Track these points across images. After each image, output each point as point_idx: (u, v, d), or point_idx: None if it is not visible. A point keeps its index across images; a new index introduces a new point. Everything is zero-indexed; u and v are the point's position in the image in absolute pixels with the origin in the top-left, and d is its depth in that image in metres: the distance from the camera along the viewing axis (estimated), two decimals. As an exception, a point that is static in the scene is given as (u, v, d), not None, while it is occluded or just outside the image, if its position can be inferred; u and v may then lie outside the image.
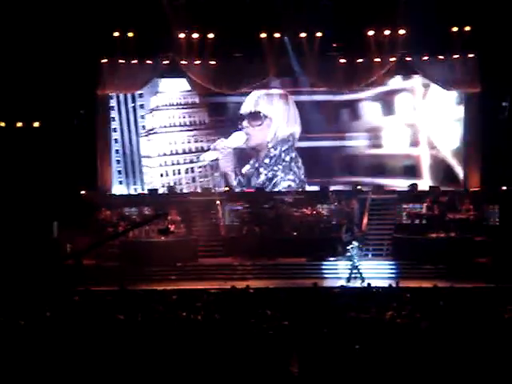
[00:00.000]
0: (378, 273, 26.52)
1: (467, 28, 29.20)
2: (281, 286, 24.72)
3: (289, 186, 32.74)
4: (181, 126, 33.23)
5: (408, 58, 30.56)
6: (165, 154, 32.90)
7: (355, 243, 26.07)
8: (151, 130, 32.75)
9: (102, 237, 27.28)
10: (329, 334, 15.02)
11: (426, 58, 30.35)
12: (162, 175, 32.86)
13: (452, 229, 27.74)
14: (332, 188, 31.34)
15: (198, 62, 30.74)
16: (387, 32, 29.57)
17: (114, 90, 31.15)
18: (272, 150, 32.92)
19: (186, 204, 30.31)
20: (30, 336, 15.54)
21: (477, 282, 23.95)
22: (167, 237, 27.98)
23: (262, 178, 32.90)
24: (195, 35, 29.93)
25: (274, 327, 15.80)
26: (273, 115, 32.84)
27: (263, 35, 29.98)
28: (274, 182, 32.87)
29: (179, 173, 33.01)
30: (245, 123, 32.75)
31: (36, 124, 29.91)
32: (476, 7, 28.47)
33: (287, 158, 32.85)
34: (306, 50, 30.18)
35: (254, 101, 32.88)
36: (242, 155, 33.11)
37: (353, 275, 25.71)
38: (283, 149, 32.86)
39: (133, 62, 30.49)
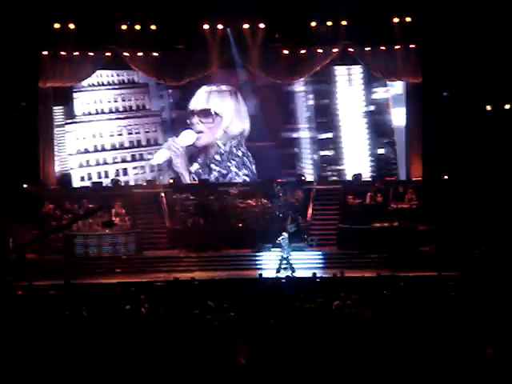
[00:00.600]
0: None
1: (408, 19, 29.45)
2: (226, 277, 24.73)
3: (244, 180, 32.74)
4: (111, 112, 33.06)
5: (350, 49, 30.70)
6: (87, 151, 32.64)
7: (285, 234, 26.22)
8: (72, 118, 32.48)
9: (45, 230, 27.03)
10: (275, 325, 15.08)
11: (368, 48, 30.51)
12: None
13: (395, 218, 28.02)
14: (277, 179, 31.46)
15: (140, 54, 30.53)
16: (329, 23, 29.66)
17: (56, 82, 30.71)
18: (222, 146, 32.89)
19: (131, 197, 30.14)
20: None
21: (420, 271, 24.24)
22: (111, 229, 27.85)
23: (215, 174, 32.87)
24: (137, 26, 29.70)
25: (220, 318, 15.83)
26: (223, 112, 32.83)
27: (206, 26, 29.89)
28: (228, 177, 32.85)
29: (126, 173, 32.80)
30: (195, 120, 32.66)
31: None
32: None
33: (239, 153, 32.87)
34: (249, 42, 30.13)
35: (204, 97, 32.84)
36: (192, 153, 33.00)
37: (282, 266, 25.88)
38: (233, 144, 32.88)
39: (74, 53, 30.13)
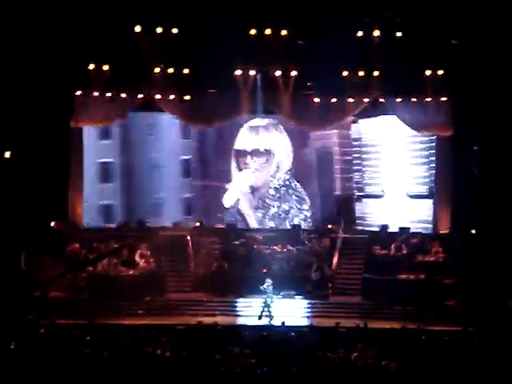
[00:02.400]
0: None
1: (440, 71, 29.44)
2: (249, 323, 24.65)
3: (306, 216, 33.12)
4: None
5: (381, 100, 30.74)
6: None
7: (269, 281, 26.11)
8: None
9: (68, 269, 27.07)
10: (297, 373, 14.98)
11: (399, 99, 30.52)
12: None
13: (421, 270, 27.82)
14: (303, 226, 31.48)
15: (172, 97, 30.75)
16: (361, 73, 29.74)
17: (87, 122, 31.03)
18: (276, 181, 33.40)
19: (156, 239, 30.15)
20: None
21: (445, 325, 24.01)
22: (132, 268, 27.92)
23: (274, 210, 33.11)
24: (170, 70, 29.95)
25: (241, 365, 15.75)
26: (275, 148, 33.19)
27: (238, 72, 30.08)
28: (290, 214, 33.15)
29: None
30: (248, 160, 32.95)
31: (7, 154, 29.71)
32: (449, 51, 28.81)
33: (294, 185, 33.41)
34: (281, 88, 30.27)
35: (252, 135, 33.20)
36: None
37: (264, 313, 25.72)
38: (286, 178, 33.35)
39: (107, 95, 30.42)
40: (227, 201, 33.10)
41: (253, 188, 33.28)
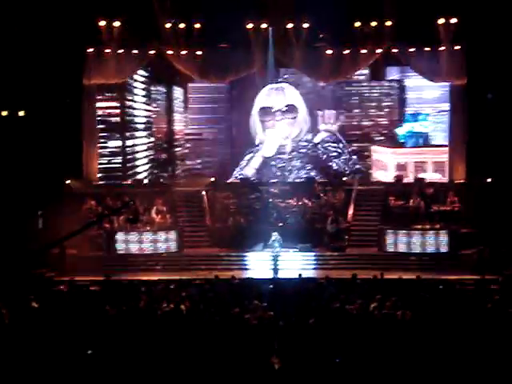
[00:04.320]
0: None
1: (453, 20, 29.20)
2: (265, 276, 24.77)
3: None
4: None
5: (394, 50, 30.53)
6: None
7: (275, 234, 26.16)
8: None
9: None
10: (314, 326, 15.07)
11: (412, 49, 30.31)
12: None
13: (437, 220, 27.82)
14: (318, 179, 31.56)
15: (184, 52, 30.64)
16: (374, 23, 29.53)
17: (100, 79, 30.97)
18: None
19: (172, 194, 30.26)
20: (15, 324, 15.56)
21: (461, 274, 24.08)
22: (136, 225, 28.04)
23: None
24: (181, 25, 29.83)
25: (259, 318, 15.85)
26: (299, 105, 33.79)
27: (250, 26, 29.91)
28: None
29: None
30: (278, 117, 33.22)
31: (21, 113, 29.77)
32: (462, -1, 28.61)
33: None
34: (293, 41, 30.09)
35: (279, 94, 33.21)
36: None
37: (274, 266, 25.86)
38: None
39: (119, 51, 30.34)
40: (267, 151, 33.62)
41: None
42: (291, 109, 33.21)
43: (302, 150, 33.43)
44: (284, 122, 33.21)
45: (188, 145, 36.89)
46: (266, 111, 33.27)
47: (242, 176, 32.71)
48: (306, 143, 33.51)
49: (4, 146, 28.76)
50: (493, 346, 13.15)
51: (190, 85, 36.61)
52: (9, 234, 25.87)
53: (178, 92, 37.22)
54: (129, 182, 31.95)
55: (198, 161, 36.06)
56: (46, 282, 23.82)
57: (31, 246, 23.03)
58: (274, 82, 33.16)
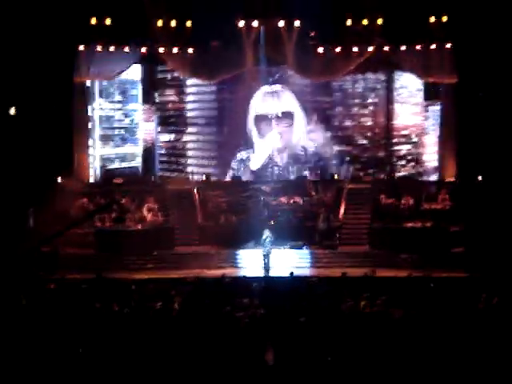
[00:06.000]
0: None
1: (444, 18, 29.26)
2: (256, 274, 24.79)
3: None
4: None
5: (385, 48, 30.55)
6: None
7: (267, 232, 26.13)
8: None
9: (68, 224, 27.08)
10: (305, 323, 15.07)
11: (403, 47, 30.36)
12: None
13: (428, 218, 27.88)
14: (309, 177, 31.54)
15: (175, 50, 30.61)
16: (365, 21, 29.57)
17: (91, 77, 30.96)
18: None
19: (163, 192, 30.27)
20: (6, 322, 15.51)
21: (452, 272, 24.12)
22: (123, 224, 28.02)
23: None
24: (173, 23, 29.80)
25: (250, 316, 15.84)
26: (295, 111, 33.09)
27: (241, 24, 29.91)
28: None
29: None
30: (273, 124, 32.90)
31: (12, 111, 29.69)
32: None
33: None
34: (284, 40, 30.09)
35: (275, 100, 32.99)
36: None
37: (265, 264, 25.88)
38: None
39: (110, 49, 30.31)
40: (255, 164, 33.11)
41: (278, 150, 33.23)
42: (287, 115, 32.81)
43: (299, 157, 33.06)
44: (278, 130, 32.76)
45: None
46: (261, 118, 32.94)
47: (234, 176, 32.53)
48: (302, 149, 33.14)
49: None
50: (484, 344, 13.19)
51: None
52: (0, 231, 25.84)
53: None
54: (120, 180, 31.78)
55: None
56: (37, 280, 23.75)
57: (22, 244, 23.03)
58: (267, 84, 32.71)
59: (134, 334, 14.42)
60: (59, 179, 29.86)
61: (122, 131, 33.29)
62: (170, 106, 33.92)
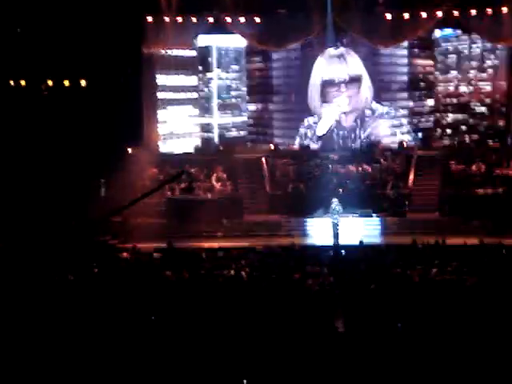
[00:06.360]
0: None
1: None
2: (326, 243, 24.79)
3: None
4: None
5: (455, 12, 30.06)
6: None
7: (335, 200, 25.94)
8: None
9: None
10: (376, 291, 15.08)
11: (473, 11, 29.84)
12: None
13: (499, 185, 27.49)
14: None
15: (242, 19, 30.61)
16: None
17: (159, 47, 31.10)
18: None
19: (232, 162, 30.39)
20: (80, 290, 15.84)
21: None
22: (191, 194, 28.20)
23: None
24: (239, -9, 29.79)
25: (320, 284, 15.90)
26: (363, 74, 32.68)
27: (308, -10, 29.72)
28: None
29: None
30: (342, 89, 32.58)
31: (83, 82, 30.05)
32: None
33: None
34: (352, 5, 29.79)
35: (342, 63, 32.69)
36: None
37: (334, 232, 25.66)
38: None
39: (177, 19, 30.41)
40: (321, 129, 32.93)
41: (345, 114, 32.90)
42: (355, 79, 32.42)
43: (366, 119, 32.71)
44: (347, 95, 32.43)
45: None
46: (328, 83, 32.63)
47: (302, 144, 32.41)
48: (370, 112, 32.76)
49: (66, 116, 29.09)
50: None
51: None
52: (72, 202, 26.26)
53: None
54: (191, 150, 32.01)
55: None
56: (109, 249, 24.14)
57: (94, 213, 23.38)
58: (333, 47, 32.34)
59: (204, 301, 14.58)
60: (130, 150, 30.15)
61: (238, 100, 33.72)
62: (256, 73, 33.88)
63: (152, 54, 31.06)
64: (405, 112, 32.67)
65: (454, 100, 32.16)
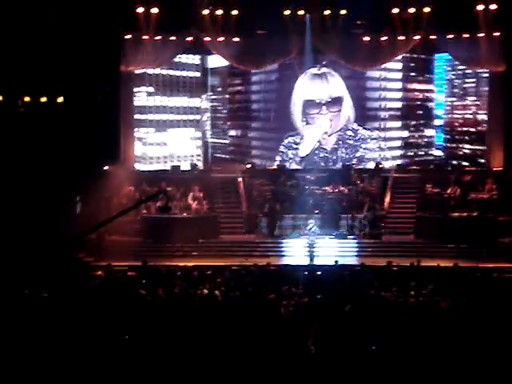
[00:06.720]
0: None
1: (493, 6, 28.92)
2: (301, 263, 24.78)
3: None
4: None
5: (432, 37, 30.32)
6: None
7: (312, 221, 25.93)
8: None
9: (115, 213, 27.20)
10: (351, 312, 15.07)
11: (450, 36, 30.11)
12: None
13: (474, 208, 27.65)
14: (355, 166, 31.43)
15: (221, 39, 30.70)
16: (412, 10, 29.35)
17: (137, 66, 31.12)
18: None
19: (209, 181, 30.37)
20: (54, 307, 15.72)
21: (498, 262, 23.92)
22: (169, 213, 28.10)
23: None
24: (219, 11, 29.87)
25: (294, 304, 15.88)
26: (344, 95, 32.82)
27: (287, 12, 29.86)
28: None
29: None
30: (324, 110, 32.66)
31: (60, 99, 29.96)
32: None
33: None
34: (330, 28, 29.98)
35: (324, 83, 32.77)
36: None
37: (310, 253, 25.70)
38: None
39: (156, 38, 30.46)
40: (304, 150, 33.01)
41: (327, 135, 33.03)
42: (336, 100, 32.52)
43: (348, 141, 32.82)
44: (329, 116, 32.52)
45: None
46: (309, 104, 32.72)
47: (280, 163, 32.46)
48: (352, 133, 32.86)
49: (43, 132, 28.96)
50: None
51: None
52: (47, 219, 26.11)
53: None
54: (167, 167, 32.01)
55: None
56: (84, 266, 24.03)
57: (69, 231, 23.25)
58: (315, 67, 32.39)
59: (178, 320, 14.52)
60: (106, 167, 30.06)
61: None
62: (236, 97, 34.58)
63: (130, 72, 31.04)
64: (398, 143, 33.27)
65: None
